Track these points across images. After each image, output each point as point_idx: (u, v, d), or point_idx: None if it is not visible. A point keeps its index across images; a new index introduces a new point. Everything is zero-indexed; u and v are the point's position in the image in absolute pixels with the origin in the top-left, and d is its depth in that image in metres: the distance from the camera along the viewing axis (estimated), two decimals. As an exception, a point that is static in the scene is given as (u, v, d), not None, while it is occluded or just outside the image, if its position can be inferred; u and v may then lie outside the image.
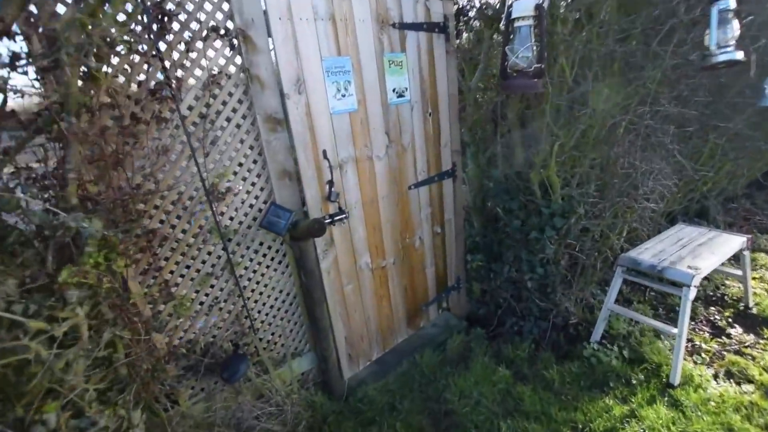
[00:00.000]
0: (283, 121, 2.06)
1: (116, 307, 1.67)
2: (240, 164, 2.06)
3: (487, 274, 3.18)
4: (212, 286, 2.19)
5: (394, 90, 2.41)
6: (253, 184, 2.13)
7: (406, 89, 2.47)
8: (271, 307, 2.40)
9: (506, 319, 3.09)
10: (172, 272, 2.05)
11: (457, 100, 2.81)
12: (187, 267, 2.08)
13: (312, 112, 2.08)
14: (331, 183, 2.21)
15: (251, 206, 2.16)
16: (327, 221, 2.25)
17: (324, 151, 2.17)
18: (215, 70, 1.87)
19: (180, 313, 2.08)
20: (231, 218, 2.12)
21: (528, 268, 2.73)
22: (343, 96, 2.18)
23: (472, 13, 2.82)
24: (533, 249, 2.66)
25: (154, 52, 1.67)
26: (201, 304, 2.17)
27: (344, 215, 2.32)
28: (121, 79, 1.68)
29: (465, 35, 2.90)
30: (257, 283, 2.31)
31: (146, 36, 1.65)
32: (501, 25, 2.45)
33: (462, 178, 3.05)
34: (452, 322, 3.34)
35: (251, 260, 2.25)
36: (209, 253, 2.10)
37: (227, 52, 1.88)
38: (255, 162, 2.10)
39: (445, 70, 2.67)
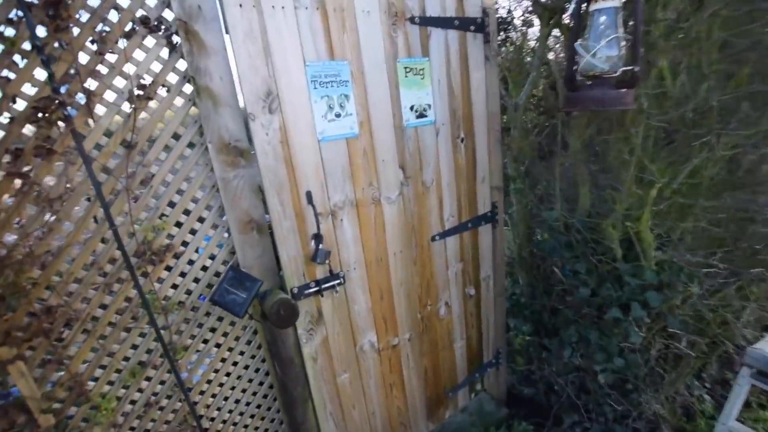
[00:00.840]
0: (248, 151, 1.45)
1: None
2: (186, 212, 1.46)
3: (537, 353, 2.37)
4: (148, 380, 1.56)
5: (412, 108, 1.75)
6: (207, 239, 1.51)
7: (429, 106, 1.80)
8: (236, 404, 1.74)
9: (564, 417, 2.25)
10: (87, 362, 1.44)
11: (499, 120, 2.11)
12: (110, 355, 1.47)
13: (290, 139, 1.45)
14: (318, 237, 1.55)
15: (204, 269, 1.54)
16: (312, 290, 1.58)
17: (309, 194, 1.53)
18: (146, 79, 1.29)
19: (97, 420, 1.46)
20: (174, 286, 1.50)
21: (601, 356, 1.91)
22: (338, 116, 1.55)
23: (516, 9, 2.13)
24: (609, 332, 1.85)
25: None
26: (133, 403, 1.55)
27: (338, 281, 1.65)
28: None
29: (511, 35, 2.22)
30: (215, 372, 1.67)
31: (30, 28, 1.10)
32: (567, 15, 1.75)
33: (504, 220, 2.31)
34: (488, 408, 2.54)
35: (205, 342, 1.61)
36: (143, 335, 1.49)
37: (164, 53, 1.30)
38: (209, 208, 1.49)
39: (484, 81, 1.99)
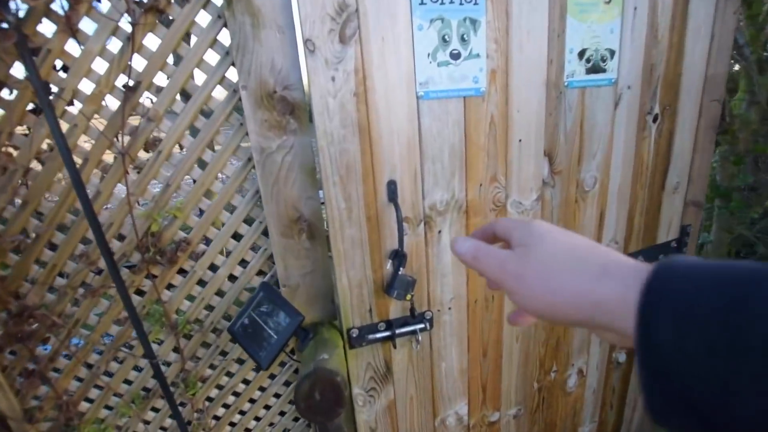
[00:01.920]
0: (303, 107, 0.89)
1: None
2: (206, 194, 0.97)
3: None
4: (155, 411, 1.17)
5: (582, 54, 1.02)
6: (237, 238, 1.02)
7: (611, 54, 1.04)
8: (263, 458, 1.28)
9: None
10: (81, 380, 1.09)
11: (721, 89, 1.24)
12: (108, 374, 1.10)
13: (371, 91, 0.85)
14: (399, 257, 0.95)
15: (231, 278, 1.06)
16: (381, 334, 1.00)
17: (392, 186, 0.93)
18: (152, -21, 0.80)
19: (88, 454, 1.10)
20: (190, 298, 1.06)
21: None
22: (455, 57, 0.90)
23: None
24: None
25: None
26: (137, 435, 1.17)
27: (422, 325, 1.04)
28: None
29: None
30: (241, 414, 1.22)
31: None
32: None
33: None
34: None
35: (229, 376, 1.16)
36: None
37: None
38: (242, 192, 0.99)
39: (711, 19, 1.14)
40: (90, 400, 1.11)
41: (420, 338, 1.06)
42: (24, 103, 0.84)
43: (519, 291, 0.30)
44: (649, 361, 0.22)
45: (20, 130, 0.87)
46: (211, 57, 0.87)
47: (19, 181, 0.88)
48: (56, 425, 1.11)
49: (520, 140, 1.02)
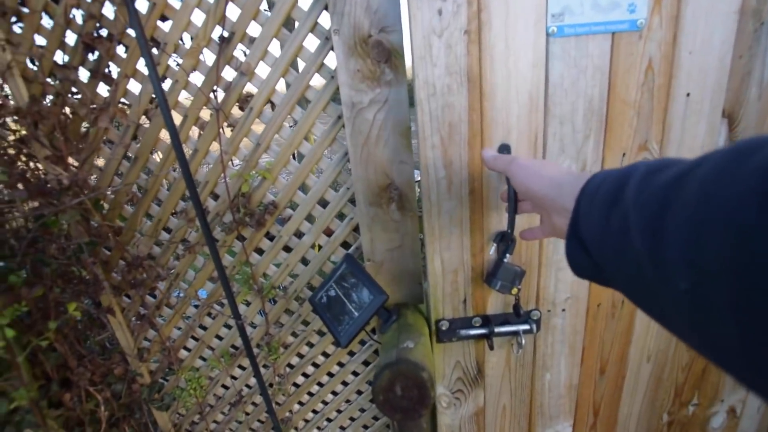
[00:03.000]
0: (400, 54, 0.76)
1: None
2: (294, 156, 0.91)
3: None
4: (242, 368, 1.21)
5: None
6: (324, 205, 0.95)
7: None
8: (339, 434, 1.25)
9: None
10: (180, 330, 1.16)
11: None
12: (203, 328, 1.15)
13: (486, 28, 0.68)
14: (506, 240, 0.78)
15: (316, 247, 1.01)
16: (475, 331, 0.85)
17: (504, 151, 0.75)
18: None
19: (183, 397, 1.19)
20: (276, 264, 1.03)
21: None
22: (604, -20, 0.66)
23: None
24: None
25: None
26: (225, 388, 1.23)
27: (527, 326, 0.86)
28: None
29: None
30: (319, 385, 1.19)
31: None
32: None
33: None
34: None
35: (310, 346, 1.13)
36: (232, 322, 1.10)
37: None
38: (330, 155, 0.91)
39: None
40: (188, 350, 1.18)
41: (523, 341, 0.87)
42: (135, 59, 0.86)
43: (520, 174, 0.51)
44: (573, 227, 0.37)
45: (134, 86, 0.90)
46: (304, 2, 0.78)
47: (131, 137, 0.92)
48: (161, 366, 1.21)
49: (688, 94, 0.74)
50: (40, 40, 0.87)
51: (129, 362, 1.19)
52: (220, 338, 1.16)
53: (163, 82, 0.84)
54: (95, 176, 0.98)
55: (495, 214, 0.78)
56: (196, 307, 1.12)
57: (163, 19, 0.82)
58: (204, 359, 1.19)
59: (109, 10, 0.84)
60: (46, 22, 0.85)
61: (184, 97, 0.89)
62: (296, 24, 0.80)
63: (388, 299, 0.80)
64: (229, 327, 1.14)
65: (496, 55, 0.69)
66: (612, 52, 0.70)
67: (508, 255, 0.77)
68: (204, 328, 1.15)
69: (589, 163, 0.77)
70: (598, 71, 0.71)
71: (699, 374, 1.00)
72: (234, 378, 1.21)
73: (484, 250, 0.81)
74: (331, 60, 0.80)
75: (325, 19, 0.78)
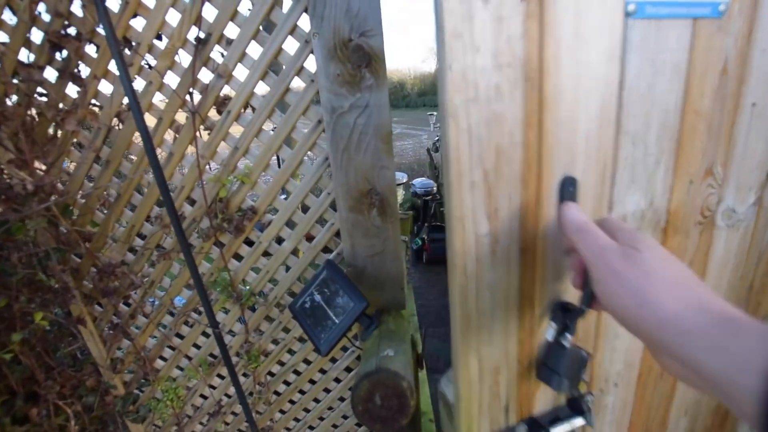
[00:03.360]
0: (380, 59, 0.75)
1: None
2: (279, 159, 0.90)
3: None
4: (221, 378, 1.18)
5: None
6: (305, 210, 0.94)
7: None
8: (321, 442, 1.23)
9: None
10: (155, 338, 1.13)
11: None
12: (180, 336, 1.12)
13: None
14: (568, 316, 0.49)
15: (300, 253, 0.99)
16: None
17: (569, 187, 0.47)
18: None
19: (159, 408, 1.15)
20: (256, 270, 1.01)
21: None
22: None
23: None
24: None
25: None
26: (203, 398, 1.20)
27: (581, 421, 0.55)
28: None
29: None
30: (301, 393, 1.17)
31: None
32: None
33: None
34: None
35: (291, 353, 1.11)
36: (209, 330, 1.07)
37: None
38: (311, 159, 0.90)
39: None
40: (164, 359, 1.15)
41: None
42: (106, 59, 0.83)
43: (609, 285, 0.32)
44: None
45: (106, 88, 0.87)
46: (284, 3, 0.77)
47: (102, 141, 0.89)
48: (136, 377, 1.17)
49: (754, 104, 0.55)
50: (2, 37, 0.83)
51: (102, 373, 1.14)
52: (198, 347, 1.13)
53: (135, 82, 0.81)
54: (66, 180, 0.94)
55: (552, 279, 0.53)
56: (173, 315, 1.08)
57: (136, 16, 0.79)
58: (181, 369, 1.16)
59: (77, 8, 0.80)
60: (8, 17, 0.81)
61: (159, 99, 0.86)
62: (275, 26, 0.78)
63: (368, 306, 0.79)
64: (207, 335, 1.11)
65: (564, 39, 0.43)
66: (692, 45, 0.51)
67: (568, 336, 0.50)
68: (181, 337, 1.12)
69: (657, 195, 0.56)
70: (675, 71, 0.51)
71: (724, 415, 0.87)
72: (213, 387, 1.18)
73: (534, 333, 0.55)
74: (311, 63, 0.79)
75: (305, 22, 0.77)
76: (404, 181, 4.29)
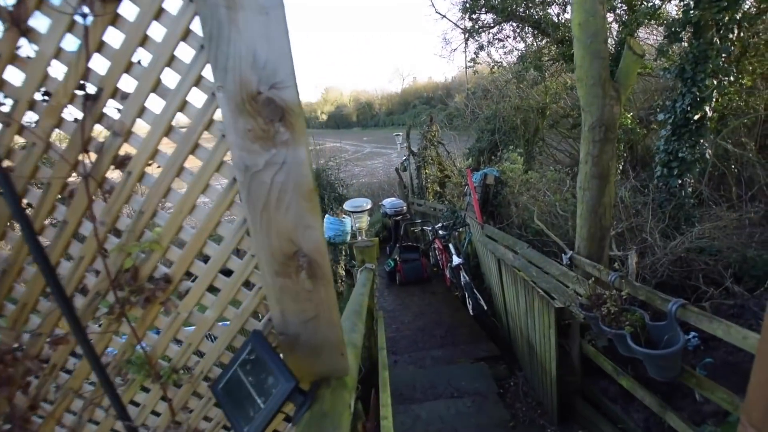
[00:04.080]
0: (296, 111, 0.68)
1: None
2: (187, 222, 0.80)
3: None
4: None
5: None
6: (228, 274, 0.84)
7: None
8: None
9: None
10: (63, 426, 0.96)
11: None
12: (95, 423, 0.96)
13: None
14: None
15: (225, 321, 0.88)
16: None
17: None
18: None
19: None
20: (178, 343, 0.89)
21: None
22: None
23: None
24: None
25: None
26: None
27: None
28: None
29: None
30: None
31: None
32: None
33: None
34: None
35: (228, 430, 0.98)
36: (134, 404, 0.93)
37: None
38: (231, 221, 0.81)
39: None
40: (77, 451, 0.98)
41: None
42: (-21, 118, 0.72)
43: None
44: None
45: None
46: (185, 53, 0.69)
47: (-21, 209, 0.76)
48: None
49: None
50: None
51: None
52: (116, 433, 0.98)
53: (15, 142, 0.70)
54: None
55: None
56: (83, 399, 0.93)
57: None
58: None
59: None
60: None
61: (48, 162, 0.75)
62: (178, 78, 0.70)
63: (296, 385, 0.70)
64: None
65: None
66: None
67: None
68: (96, 423, 0.96)
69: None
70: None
71: None
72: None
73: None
74: (221, 116, 0.71)
75: (210, 73, 0.70)
76: (368, 207, 4.24)
